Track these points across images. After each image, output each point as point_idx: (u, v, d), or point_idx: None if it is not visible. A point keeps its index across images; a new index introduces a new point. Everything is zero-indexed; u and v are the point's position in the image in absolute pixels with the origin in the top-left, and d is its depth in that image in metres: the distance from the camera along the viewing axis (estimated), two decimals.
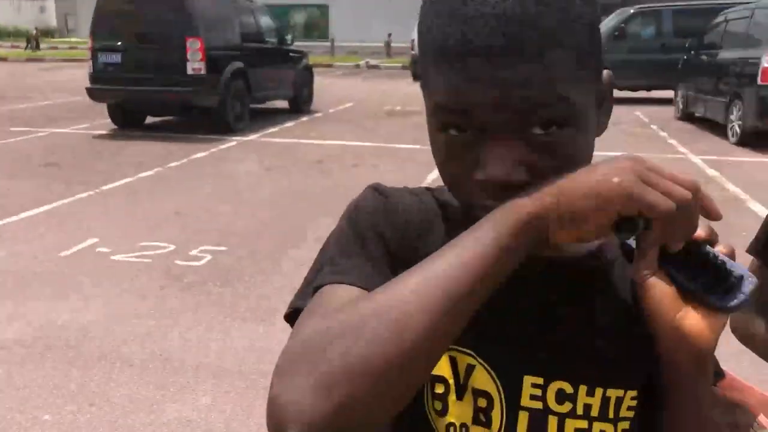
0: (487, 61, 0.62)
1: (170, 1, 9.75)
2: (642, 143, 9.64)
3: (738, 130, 9.62)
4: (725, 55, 10.46)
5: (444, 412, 0.73)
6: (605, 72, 0.73)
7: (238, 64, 10.36)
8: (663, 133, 10.65)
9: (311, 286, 0.73)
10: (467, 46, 0.62)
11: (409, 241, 0.75)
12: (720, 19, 11.54)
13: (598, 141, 0.72)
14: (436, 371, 0.72)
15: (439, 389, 0.73)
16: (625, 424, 0.74)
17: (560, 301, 0.74)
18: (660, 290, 0.70)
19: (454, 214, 0.77)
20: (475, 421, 0.72)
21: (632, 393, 0.74)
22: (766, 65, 8.98)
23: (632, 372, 0.75)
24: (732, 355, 1.22)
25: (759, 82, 9.06)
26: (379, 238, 0.75)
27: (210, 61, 9.70)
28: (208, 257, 4.87)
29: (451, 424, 0.72)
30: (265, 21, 12.11)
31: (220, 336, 3.69)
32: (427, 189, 0.82)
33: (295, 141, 9.75)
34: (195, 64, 9.59)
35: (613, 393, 0.73)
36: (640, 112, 12.80)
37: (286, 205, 6.27)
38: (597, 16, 0.70)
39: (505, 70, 0.61)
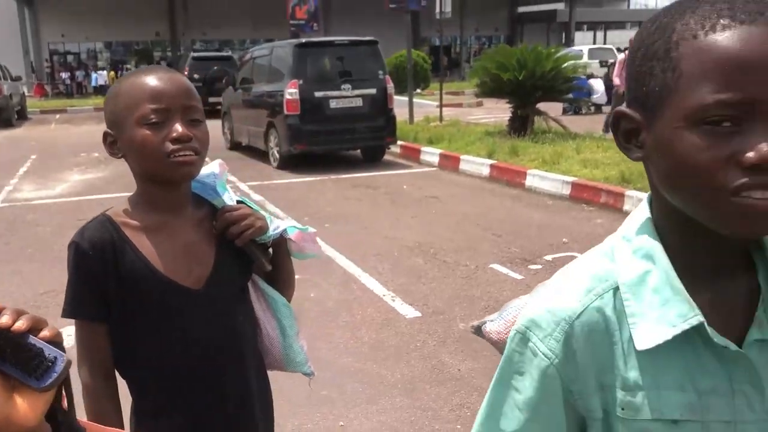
0: None
1: None
2: None
3: (277, 155, 10.77)
4: (257, 88, 11.59)
5: None
6: None
7: None
8: None
9: None
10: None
11: None
12: (248, 56, 12.75)
13: None
14: None
15: None
16: None
17: None
18: None
19: None
20: None
21: None
22: (288, 97, 10.22)
23: None
24: None
25: (285, 111, 10.28)
26: None
27: None
28: None
29: None
30: None
31: None
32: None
33: None
34: None
35: None
36: None
37: None
38: None
39: None
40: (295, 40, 11.67)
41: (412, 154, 11.32)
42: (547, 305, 0.84)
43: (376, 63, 10.93)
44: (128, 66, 32.97)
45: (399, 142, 11.51)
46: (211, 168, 1.54)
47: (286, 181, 9.80)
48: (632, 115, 0.80)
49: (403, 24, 14.14)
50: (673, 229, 0.82)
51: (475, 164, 9.71)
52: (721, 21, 0.72)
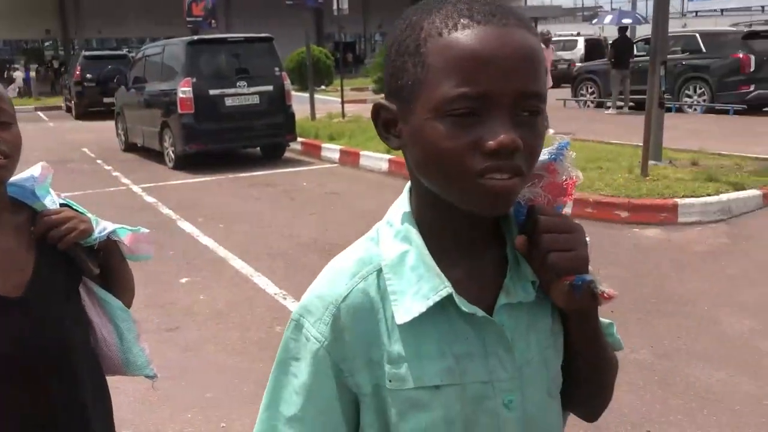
0: None
1: None
2: (89, 179, 9.69)
3: (173, 156, 10.49)
4: (151, 88, 11.24)
5: None
6: None
7: None
8: (108, 167, 10.90)
9: None
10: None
11: None
12: (140, 55, 12.35)
13: None
14: None
15: None
16: None
17: None
18: None
19: None
20: None
21: None
22: (182, 96, 9.97)
23: None
24: None
25: (179, 111, 10.01)
26: None
27: None
28: None
29: None
30: None
31: None
32: None
33: None
34: None
35: None
36: (87, 148, 12.80)
37: None
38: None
39: None
40: (187, 38, 11.39)
41: (313, 151, 11.28)
42: (317, 292, 0.89)
43: (272, 60, 10.82)
44: (16, 66, 31.21)
45: (300, 139, 11.44)
46: (31, 171, 1.48)
47: (181, 182, 9.56)
48: (390, 107, 0.84)
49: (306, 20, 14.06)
50: (429, 212, 0.87)
51: (375, 159, 9.76)
52: (462, 21, 0.78)
